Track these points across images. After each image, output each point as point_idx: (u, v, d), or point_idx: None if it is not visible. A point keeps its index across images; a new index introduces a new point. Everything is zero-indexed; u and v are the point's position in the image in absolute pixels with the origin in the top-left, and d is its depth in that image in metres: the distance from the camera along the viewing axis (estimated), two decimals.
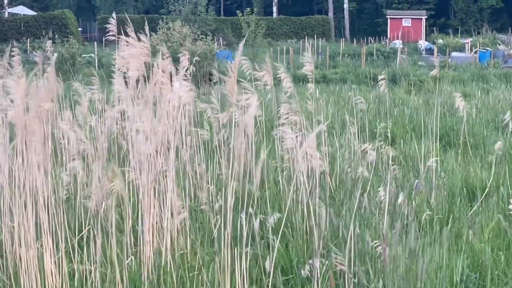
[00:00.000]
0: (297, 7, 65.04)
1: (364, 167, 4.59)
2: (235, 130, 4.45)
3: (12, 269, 4.67)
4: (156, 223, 4.85)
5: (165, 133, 5.08)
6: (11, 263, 4.69)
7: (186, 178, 5.65)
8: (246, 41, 41.18)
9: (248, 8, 43.33)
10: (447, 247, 4.76)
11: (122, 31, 5.54)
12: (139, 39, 5.15)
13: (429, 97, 15.40)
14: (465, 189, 6.81)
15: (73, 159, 4.42)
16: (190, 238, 4.96)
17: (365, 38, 45.03)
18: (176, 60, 6.21)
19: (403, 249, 4.16)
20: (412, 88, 17.75)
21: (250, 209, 4.27)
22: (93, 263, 4.41)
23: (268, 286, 4.25)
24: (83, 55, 26.07)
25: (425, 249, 4.56)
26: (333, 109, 11.68)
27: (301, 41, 38.15)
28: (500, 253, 5.05)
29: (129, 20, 6.36)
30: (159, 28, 22.48)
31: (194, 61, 8.91)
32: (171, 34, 21.71)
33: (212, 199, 5.45)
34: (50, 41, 12.42)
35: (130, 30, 5.17)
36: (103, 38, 41.88)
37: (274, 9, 59.97)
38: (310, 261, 4.17)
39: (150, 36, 5.18)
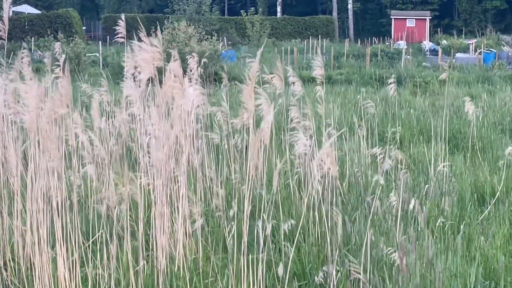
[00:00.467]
0: (301, 7, 64.97)
1: (380, 175, 4.57)
2: (251, 137, 4.42)
3: (24, 273, 4.67)
4: (168, 228, 4.84)
5: (177, 137, 5.08)
6: (23, 267, 4.69)
7: (197, 182, 5.64)
8: (251, 41, 41.10)
9: (252, 8, 43.36)
10: (461, 255, 4.75)
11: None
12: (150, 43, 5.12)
13: (435, 99, 15.38)
14: (474, 194, 6.79)
15: (89, 163, 4.41)
16: (202, 243, 4.96)
17: (369, 38, 44.94)
18: (182, 60, 6.19)
19: (419, 257, 4.14)
20: (418, 89, 17.68)
21: (264, 215, 4.27)
22: (106, 269, 4.41)
23: None
24: (87, 55, 26.05)
25: (440, 257, 4.55)
26: (339, 111, 11.65)
27: (305, 41, 38.08)
28: None
29: (139, 21, 6.36)
30: (165, 28, 22.49)
31: (202, 63, 8.92)
32: (176, 34, 21.72)
33: (224, 204, 5.44)
34: (59, 43, 12.41)
35: (143, 34, 5.15)
36: (107, 37, 41.99)
37: (278, 9, 59.89)
38: (324, 268, 4.16)
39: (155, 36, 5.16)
